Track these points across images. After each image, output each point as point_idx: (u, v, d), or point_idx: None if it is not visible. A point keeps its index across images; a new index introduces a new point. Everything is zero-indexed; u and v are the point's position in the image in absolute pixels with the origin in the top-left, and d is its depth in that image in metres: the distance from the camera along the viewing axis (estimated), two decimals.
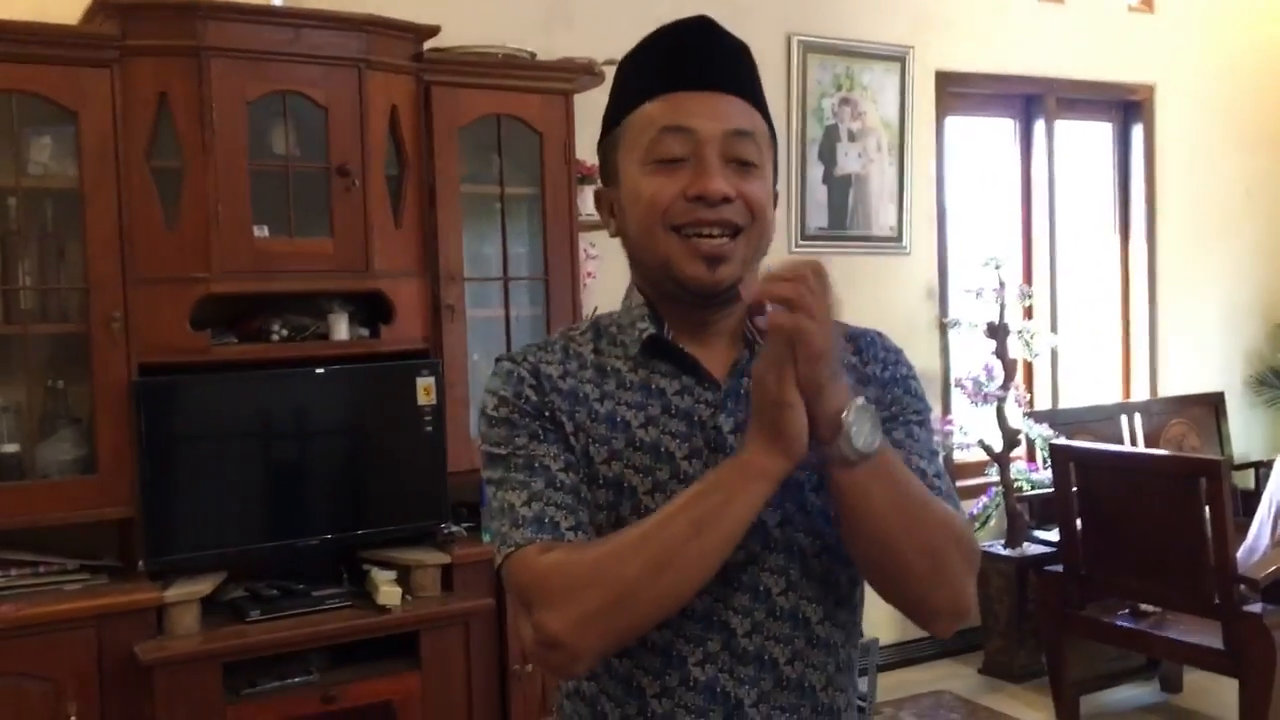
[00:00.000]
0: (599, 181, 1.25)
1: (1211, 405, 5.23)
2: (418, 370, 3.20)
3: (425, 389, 3.21)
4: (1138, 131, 5.23)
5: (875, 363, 1.25)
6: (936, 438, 4.53)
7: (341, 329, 3.13)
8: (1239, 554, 3.62)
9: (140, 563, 2.87)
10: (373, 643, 3.03)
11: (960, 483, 4.69)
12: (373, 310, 3.20)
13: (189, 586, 2.87)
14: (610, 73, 1.21)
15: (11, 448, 2.82)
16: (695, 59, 1.16)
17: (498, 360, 1.23)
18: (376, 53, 3.07)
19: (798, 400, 1.04)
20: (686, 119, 1.14)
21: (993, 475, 4.53)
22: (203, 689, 2.76)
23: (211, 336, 2.96)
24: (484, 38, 3.41)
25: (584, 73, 3.44)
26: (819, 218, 4.39)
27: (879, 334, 1.30)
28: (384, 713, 3.02)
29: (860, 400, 1.06)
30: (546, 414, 1.16)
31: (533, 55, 3.43)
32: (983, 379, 4.47)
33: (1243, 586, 3.42)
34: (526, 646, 1.11)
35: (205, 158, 2.86)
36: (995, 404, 4.45)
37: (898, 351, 1.29)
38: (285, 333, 3.08)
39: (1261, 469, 4.73)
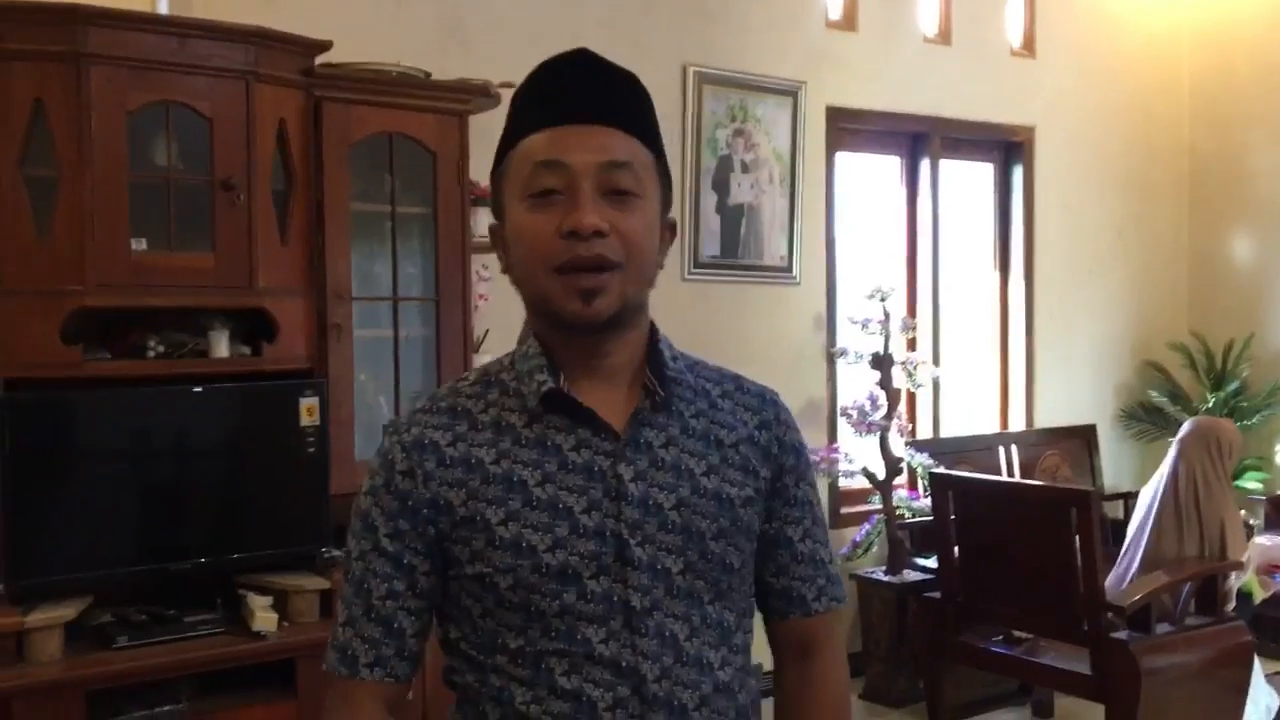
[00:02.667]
0: (493, 216, 1.25)
1: (1084, 437, 5.42)
2: (301, 390, 3.13)
3: (308, 409, 3.14)
4: (1018, 172, 5.42)
5: (789, 430, 1.29)
6: (823, 465, 4.56)
7: (221, 346, 3.05)
8: (1107, 582, 3.75)
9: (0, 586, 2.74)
10: (248, 671, 2.94)
11: (844, 509, 4.78)
12: (255, 328, 3.13)
13: (52, 611, 2.75)
14: (507, 96, 1.21)
15: None
16: (573, 92, 1.17)
17: (385, 428, 1.23)
18: (265, 65, 3.01)
19: None
20: (560, 153, 1.15)
21: (875, 503, 4.61)
22: (65, 719, 2.64)
23: (85, 351, 2.86)
24: (377, 55, 3.37)
25: (479, 94, 3.43)
26: (712, 246, 4.44)
27: (774, 392, 1.32)
28: None
29: None
30: (411, 503, 1.17)
31: (427, 75, 3.40)
32: (867, 408, 4.56)
33: (1110, 614, 3.54)
34: None
35: (81, 167, 2.76)
36: (879, 433, 4.54)
37: (791, 414, 1.33)
38: (162, 349, 2.99)
39: (1130, 500, 4.92)
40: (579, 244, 1.13)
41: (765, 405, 1.28)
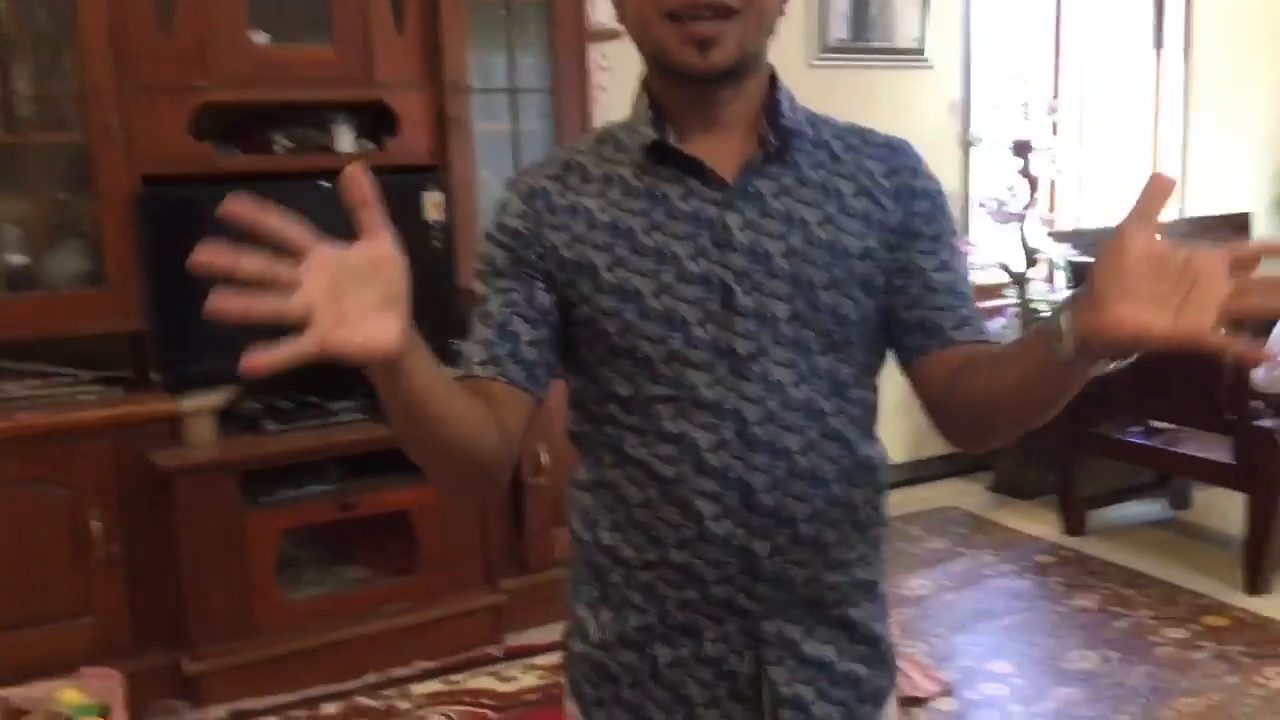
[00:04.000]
0: None
1: (1237, 226, 5.12)
2: (424, 185, 3.15)
3: (433, 204, 3.16)
4: None
5: (920, 175, 1.21)
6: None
7: (345, 141, 3.07)
8: (1255, 372, 3.60)
9: (153, 375, 2.89)
10: (389, 456, 3.05)
11: (977, 304, 4.65)
12: (377, 123, 3.14)
13: (204, 398, 2.90)
14: None
15: (20, 259, 2.81)
16: None
17: (504, 184, 1.22)
18: None
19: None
20: None
21: (1011, 297, 4.48)
22: (222, 496, 2.82)
23: (215, 148, 2.91)
24: None
25: None
26: (840, 29, 4.23)
27: (905, 140, 1.24)
28: (401, 521, 3.09)
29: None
30: (524, 236, 1.16)
31: None
32: (1005, 198, 4.38)
33: (1257, 402, 3.41)
34: None
35: None
36: (1017, 224, 4.37)
37: (925, 162, 1.24)
38: (288, 145, 3.03)
39: None
40: None
41: (894, 153, 1.21)
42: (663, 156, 1.16)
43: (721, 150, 1.16)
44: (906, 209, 1.19)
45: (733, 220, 1.14)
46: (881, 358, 1.23)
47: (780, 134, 1.16)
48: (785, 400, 1.14)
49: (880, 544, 1.25)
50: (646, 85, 1.19)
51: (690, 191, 1.15)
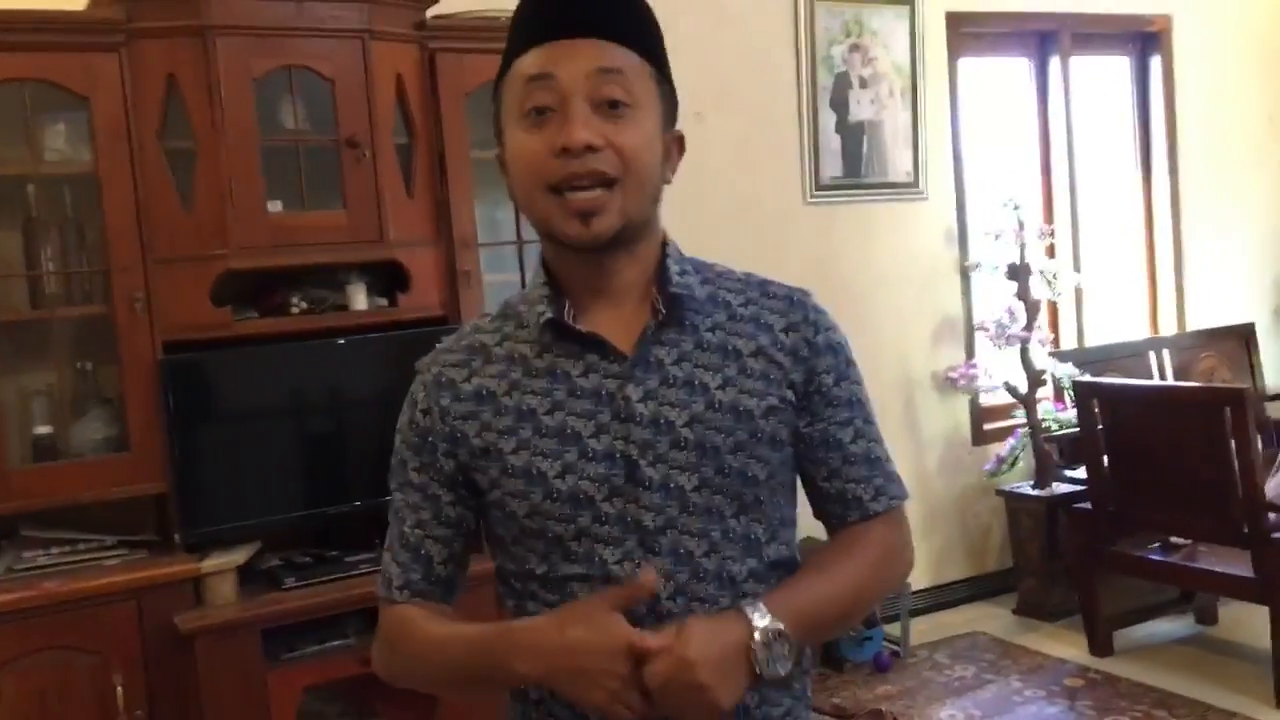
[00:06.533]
0: (496, 143, 1.23)
1: (1242, 337, 5.17)
2: (437, 338, 3.21)
3: None
4: (1156, 63, 5.16)
5: (821, 330, 1.23)
6: (962, 382, 4.47)
7: (360, 300, 3.17)
8: (1269, 483, 3.60)
9: (176, 536, 2.94)
10: None
11: (987, 425, 4.70)
12: (390, 280, 3.24)
13: (225, 557, 2.94)
14: None
15: (45, 429, 2.88)
16: (560, 6, 1.14)
17: (415, 367, 1.27)
18: (380, 23, 3.09)
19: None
20: (549, 66, 1.12)
21: (1019, 418, 4.52)
22: (243, 655, 2.83)
23: (233, 312, 3.01)
24: (486, 2, 3.41)
25: None
26: (833, 167, 4.37)
27: (805, 292, 1.26)
28: None
29: (760, 645, 1.08)
30: (430, 435, 1.22)
31: None
32: (1005, 321, 4.45)
33: (1272, 515, 3.41)
34: None
35: (216, 136, 2.90)
36: (1019, 345, 4.43)
37: (828, 313, 1.26)
38: (305, 305, 3.12)
39: None
40: (572, 160, 1.11)
41: (793, 307, 1.23)
42: (561, 332, 1.17)
43: (619, 319, 1.18)
44: (809, 367, 1.21)
45: (633, 392, 1.15)
46: (794, 507, 1.25)
47: (669, 300, 1.18)
48: (696, 571, 1.15)
49: (806, 690, 1.24)
50: (542, 255, 1.22)
51: (590, 367, 1.16)
